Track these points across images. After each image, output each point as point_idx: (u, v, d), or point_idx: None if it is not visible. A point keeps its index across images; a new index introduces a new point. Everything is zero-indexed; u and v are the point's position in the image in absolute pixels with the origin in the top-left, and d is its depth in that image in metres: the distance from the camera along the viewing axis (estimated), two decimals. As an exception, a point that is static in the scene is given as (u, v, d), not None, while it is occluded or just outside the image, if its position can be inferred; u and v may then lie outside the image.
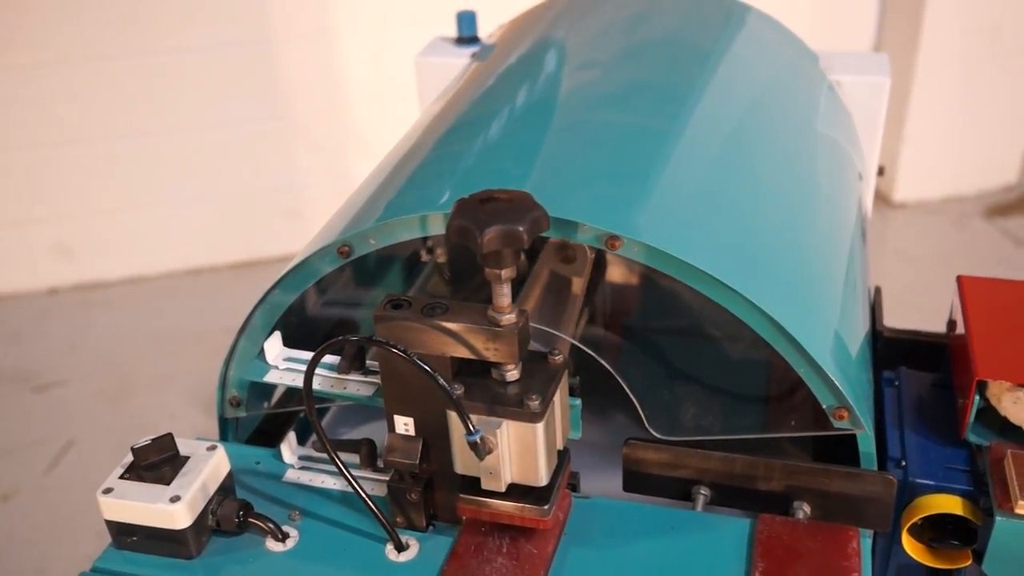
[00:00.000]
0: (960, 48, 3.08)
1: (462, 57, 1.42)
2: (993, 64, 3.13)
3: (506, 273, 0.71)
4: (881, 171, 1.40)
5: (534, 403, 0.72)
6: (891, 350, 1.05)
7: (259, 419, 1.04)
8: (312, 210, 3.02)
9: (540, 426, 0.73)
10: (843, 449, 0.88)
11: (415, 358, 0.71)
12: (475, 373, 0.76)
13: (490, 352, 0.73)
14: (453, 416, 0.73)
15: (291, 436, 0.92)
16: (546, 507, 0.76)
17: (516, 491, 0.76)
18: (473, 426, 0.72)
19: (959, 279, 0.98)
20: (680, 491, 0.88)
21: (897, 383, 0.98)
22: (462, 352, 0.74)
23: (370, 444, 0.89)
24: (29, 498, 2.25)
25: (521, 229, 0.68)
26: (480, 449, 0.72)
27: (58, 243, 2.99)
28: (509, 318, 0.72)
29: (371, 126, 2.95)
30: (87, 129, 2.86)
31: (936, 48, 3.06)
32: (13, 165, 2.87)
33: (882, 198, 3.34)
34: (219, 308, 2.83)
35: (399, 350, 0.72)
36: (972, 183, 3.35)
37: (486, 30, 1.50)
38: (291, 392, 1.03)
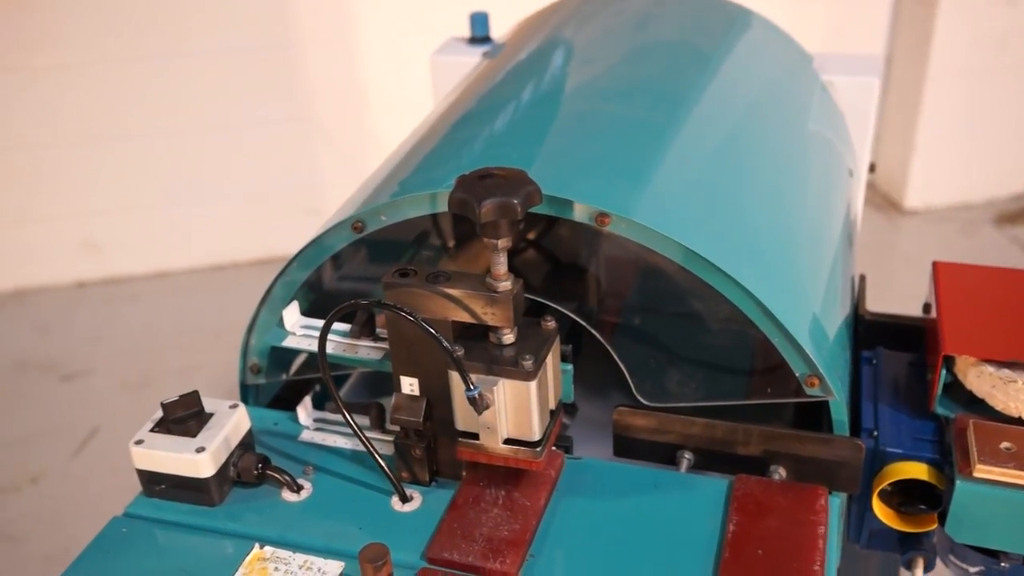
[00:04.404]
0: (970, 57, 3.12)
1: (474, 55, 1.49)
2: (1003, 73, 3.17)
3: (503, 243, 0.77)
4: (872, 168, 1.46)
5: (528, 363, 0.79)
6: (872, 333, 1.10)
7: (277, 388, 1.11)
8: (331, 209, 3.06)
9: (533, 384, 0.79)
10: (822, 424, 0.94)
11: (420, 320, 0.78)
12: (474, 337, 0.82)
13: (488, 316, 0.80)
14: (455, 376, 0.80)
15: (307, 400, 0.99)
16: (538, 449, 0.82)
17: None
18: (472, 383, 0.78)
19: (935, 264, 1.04)
20: (665, 455, 0.95)
21: (875, 361, 1.04)
22: (462, 316, 0.81)
23: (379, 407, 0.96)
24: (55, 481, 2.33)
25: (516, 202, 0.75)
26: (479, 404, 0.79)
27: (86, 238, 3.08)
28: (505, 285, 0.79)
29: (388, 127, 3.02)
30: (116, 128, 2.95)
31: (946, 56, 3.10)
32: (44, 163, 2.96)
33: (893, 204, 3.38)
34: (240, 303, 2.87)
35: (405, 312, 0.79)
36: (982, 191, 3.39)
37: (498, 31, 1.57)
38: (307, 364, 1.11)
